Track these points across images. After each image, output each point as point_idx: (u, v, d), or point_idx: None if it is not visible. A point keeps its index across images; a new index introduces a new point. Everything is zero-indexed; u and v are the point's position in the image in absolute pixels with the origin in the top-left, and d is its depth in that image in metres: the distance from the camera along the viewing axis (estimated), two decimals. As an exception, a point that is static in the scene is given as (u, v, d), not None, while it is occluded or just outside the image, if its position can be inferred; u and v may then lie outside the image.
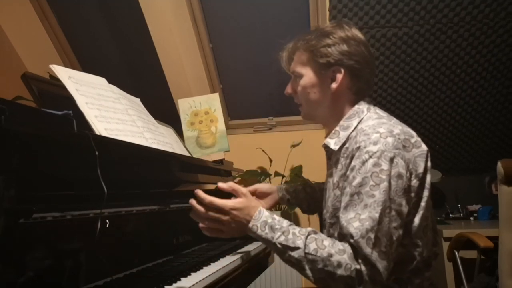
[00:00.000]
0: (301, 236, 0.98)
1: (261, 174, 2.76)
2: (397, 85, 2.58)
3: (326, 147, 1.15)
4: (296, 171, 2.77)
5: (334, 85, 1.10)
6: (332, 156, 1.15)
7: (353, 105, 1.13)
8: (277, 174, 2.77)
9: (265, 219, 1.03)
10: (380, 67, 2.51)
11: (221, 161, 1.95)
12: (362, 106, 1.13)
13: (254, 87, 2.93)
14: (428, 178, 1.03)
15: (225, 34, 2.71)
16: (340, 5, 2.32)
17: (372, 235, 0.92)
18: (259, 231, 1.01)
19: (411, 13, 2.30)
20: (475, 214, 2.71)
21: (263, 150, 2.77)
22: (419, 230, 1.02)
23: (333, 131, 1.13)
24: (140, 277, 1.09)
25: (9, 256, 0.71)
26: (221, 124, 2.03)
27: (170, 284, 1.05)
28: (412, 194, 1.00)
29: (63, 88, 1.14)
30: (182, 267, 1.21)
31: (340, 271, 0.93)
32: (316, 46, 1.10)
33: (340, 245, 0.96)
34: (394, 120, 1.12)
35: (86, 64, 3.00)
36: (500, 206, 1.59)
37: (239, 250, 1.60)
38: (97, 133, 1.09)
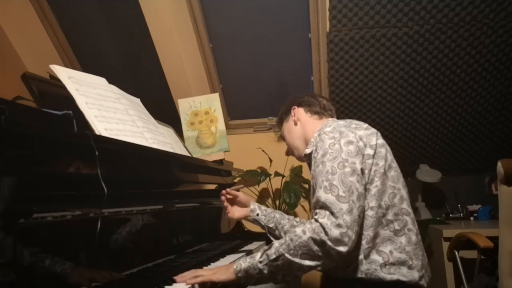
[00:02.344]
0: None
1: (261, 174, 2.76)
2: (397, 85, 2.57)
3: (306, 156, 1.36)
4: (296, 171, 2.78)
5: (295, 118, 1.48)
6: (310, 161, 1.33)
7: (319, 123, 1.40)
8: (277, 174, 2.77)
9: (243, 258, 1.18)
10: (380, 67, 2.51)
11: (221, 161, 1.96)
12: (329, 122, 1.36)
13: (254, 87, 2.92)
14: (383, 151, 1.22)
15: (225, 34, 2.71)
16: (340, 5, 2.32)
17: (326, 184, 1.11)
18: (243, 265, 1.14)
19: (411, 13, 2.30)
20: (475, 214, 2.70)
21: (263, 150, 2.77)
22: (383, 194, 1.18)
23: (309, 143, 1.37)
24: (140, 277, 1.09)
25: (9, 256, 0.71)
26: (221, 124, 2.03)
27: (170, 284, 1.06)
28: (370, 161, 1.18)
29: (63, 88, 1.14)
30: (182, 267, 1.21)
31: (306, 236, 1.06)
32: (281, 111, 1.56)
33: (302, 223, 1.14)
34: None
35: (86, 64, 3.00)
36: (500, 206, 1.59)
37: (240, 250, 1.61)
38: (97, 133, 1.09)
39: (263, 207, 1.59)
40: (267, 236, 1.90)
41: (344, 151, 1.15)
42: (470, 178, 2.92)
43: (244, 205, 1.58)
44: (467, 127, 2.71)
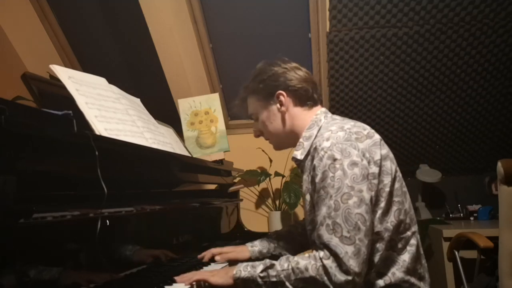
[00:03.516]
0: (277, 260, 1.08)
1: (261, 174, 2.76)
2: (397, 85, 2.57)
3: (294, 159, 1.23)
4: (296, 171, 2.78)
5: (283, 109, 1.22)
6: (301, 167, 1.23)
7: (309, 116, 1.22)
8: (277, 174, 2.77)
9: (245, 264, 1.11)
10: (380, 67, 2.51)
11: (221, 161, 1.96)
12: (319, 115, 1.21)
13: (254, 87, 2.92)
14: (388, 164, 1.09)
15: (225, 34, 2.71)
16: (340, 5, 2.32)
17: (329, 221, 0.99)
18: (243, 273, 1.08)
19: (411, 13, 2.30)
20: (475, 214, 2.70)
21: (263, 150, 2.77)
22: (388, 215, 1.07)
23: (298, 143, 1.21)
24: (140, 277, 1.09)
25: (9, 256, 0.71)
26: (221, 124, 2.03)
27: (170, 284, 1.06)
28: (375, 181, 1.05)
29: (63, 88, 1.14)
30: (182, 267, 1.21)
31: (309, 273, 0.99)
32: (255, 88, 1.26)
33: (307, 254, 1.04)
34: (347, 120, 1.19)
35: (86, 64, 3.00)
36: (500, 206, 1.59)
37: (239, 250, 1.60)
38: (97, 133, 1.09)
39: (264, 250, 1.42)
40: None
41: (349, 177, 1.00)
42: (470, 178, 2.91)
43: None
44: (467, 127, 2.71)
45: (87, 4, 2.72)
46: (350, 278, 0.95)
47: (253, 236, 1.89)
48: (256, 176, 2.74)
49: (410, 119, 2.70)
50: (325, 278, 0.97)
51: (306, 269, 1.00)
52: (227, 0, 2.55)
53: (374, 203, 1.05)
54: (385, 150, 1.11)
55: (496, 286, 1.74)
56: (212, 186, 2.00)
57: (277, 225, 2.74)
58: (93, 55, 2.98)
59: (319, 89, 1.27)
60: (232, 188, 1.97)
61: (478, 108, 2.62)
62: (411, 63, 2.47)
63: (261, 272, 1.06)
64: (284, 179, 2.78)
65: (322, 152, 1.05)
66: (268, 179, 2.79)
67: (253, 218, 2.96)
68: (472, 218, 2.71)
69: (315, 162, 1.07)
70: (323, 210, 1.02)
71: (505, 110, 2.61)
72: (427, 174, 2.76)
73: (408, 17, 2.31)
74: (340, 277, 0.96)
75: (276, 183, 2.84)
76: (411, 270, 1.09)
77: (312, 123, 1.20)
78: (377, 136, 1.12)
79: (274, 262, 1.07)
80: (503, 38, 2.32)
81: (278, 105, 1.23)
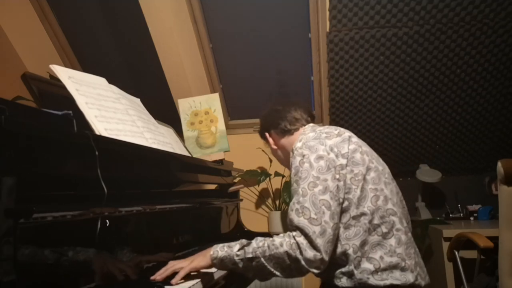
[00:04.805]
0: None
1: (261, 174, 2.76)
2: (397, 85, 2.57)
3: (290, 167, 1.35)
4: (296, 171, 2.77)
5: (273, 146, 1.53)
6: None
7: (296, 137, 1.41)
8: (277, 174, 2.77)
9: (222, 244, 1.19)
10: (380, 67, 2.51)
11: (221, 161, 1.96)
12: (307, 129, 1.41)
13: (254, 87, 2.92)
14: (358, 156, 1.21)
15: (225, 34, 2.71)
16: (340, 5, 2.32)
17: (298, 206, 1.13)
18: (220, 253, 1.16)
19: (411, 13, 2.30)
20: (475, 214, 2.70)
21: (263, 150, 2.77)
22: (364, 200, 1.17)
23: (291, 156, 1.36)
24: (140, 277, 1.09)
25: (10, 256, 0.71)
26: (221, 124, 2.03)
27: (171, 285, 1.06)
28: (344, 171, 1.17)
29: (63, 88, 1.14)
30: (182, 267, 1.21)
31: (283, 249, 1.09)
32: (260, 133, 1.59)
33: (282, 234, 1.15)
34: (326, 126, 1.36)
35: (86, 64, 3.00)
36: (500, 206, 1.59)
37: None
38: (97, 133, 1.09)
39: None
40: (267, 236, 1.91)
41: (315, 168, 1.15)
42: (470, 178, 2.91)
43: None
44: (467, 127, 2.71)
45: (87, 4, 2.72)
46: (318, 254, 1.07)
47: (253, 236, 1.89)
48: (256, 176, 2.74)
49: (410, 119, 2.70)
50: (297, 252, 1.08)
51: (281, 245, 1.10)
52: (227, 0, 2.55)
53: (346, 191, 1.17)
54: (353, 145, 1.24)
55: (496, 286, 1.74)
56: (212, 186, 2.00)
57: (277, 225, 2.74)
58: (93, 55, 2.98)
59: (301, 114, 1.47)
60: (232, 188, 1.97)
61: (478, 108, 2.62)
62: (411, 63, 2.47)
63: (238, 250, 1.14)
64: (284, 179, 2.78)
65: (295, 152, 1.22)
66: (268, 179, 2.79)
67: (253, 218, 2.96)
68: (472, 218, 2.71)
69: (292, 161, 1.23)
70: (294, 198, 1.15)
71: (505, 110, 2.61)
72: (427, 174, 2.76)
73: (408, 17, 2.31)
74: (310, 252, 1.07)
75: (276, 183, 2.84)
76: (402, 254, 1.14)
77: (301, 137, 1.33)
78: (346, 134, 1.27)
79: (250, 241, 1.16)
80: (503, 38, 2.32)
81: (269, 144, 1.53)
